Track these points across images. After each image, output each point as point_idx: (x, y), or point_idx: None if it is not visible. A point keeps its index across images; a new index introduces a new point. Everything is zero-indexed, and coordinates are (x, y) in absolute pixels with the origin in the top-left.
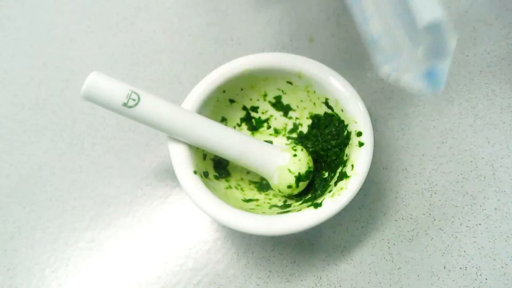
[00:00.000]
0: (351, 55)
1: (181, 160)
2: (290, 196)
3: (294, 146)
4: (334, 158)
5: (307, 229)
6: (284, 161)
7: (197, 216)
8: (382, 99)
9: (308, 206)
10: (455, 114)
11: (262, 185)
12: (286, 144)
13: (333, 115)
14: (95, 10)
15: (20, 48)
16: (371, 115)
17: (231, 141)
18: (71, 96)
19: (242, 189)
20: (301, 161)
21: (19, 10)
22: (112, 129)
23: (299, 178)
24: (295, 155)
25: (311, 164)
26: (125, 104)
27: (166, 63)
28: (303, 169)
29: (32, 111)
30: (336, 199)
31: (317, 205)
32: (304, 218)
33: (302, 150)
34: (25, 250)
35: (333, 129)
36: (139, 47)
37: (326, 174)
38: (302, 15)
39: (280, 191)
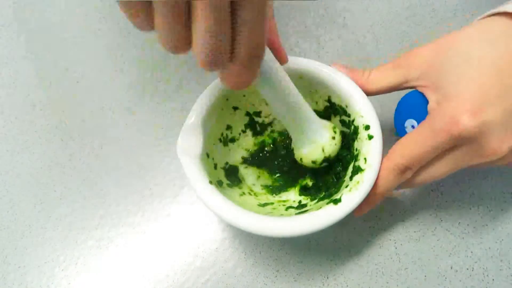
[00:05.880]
0: (357, 56)
1: (196, 172)
2: (305, 194)
3: (335, 127)
4: (345, 154)
5: (331, 225)
6: (322, 139)
7: (205, 215)
8: (388, 100)
9: (327, 203)
10: None
11: (274, 188)
12: (330, 123)
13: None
14: (105, 13)
15: (32, 49)
16: (377, 116)
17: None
18: (81, 97)
19: (255, 195)
20: (336, 145)
21: (31, 12)
22: (121, 129)
23: (326, 160)
24: (333, 138)
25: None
26: None
27: (174, 66)
28: (334, 153)
29: (42, 112)
30: (354, 193)
31: (336, 201)
32: (326, 215)
33: (340, 134)
34: (35, 248)
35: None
36: (149, 50)
37: (338, 169)
38: (308, 18)
39: (300, 160)
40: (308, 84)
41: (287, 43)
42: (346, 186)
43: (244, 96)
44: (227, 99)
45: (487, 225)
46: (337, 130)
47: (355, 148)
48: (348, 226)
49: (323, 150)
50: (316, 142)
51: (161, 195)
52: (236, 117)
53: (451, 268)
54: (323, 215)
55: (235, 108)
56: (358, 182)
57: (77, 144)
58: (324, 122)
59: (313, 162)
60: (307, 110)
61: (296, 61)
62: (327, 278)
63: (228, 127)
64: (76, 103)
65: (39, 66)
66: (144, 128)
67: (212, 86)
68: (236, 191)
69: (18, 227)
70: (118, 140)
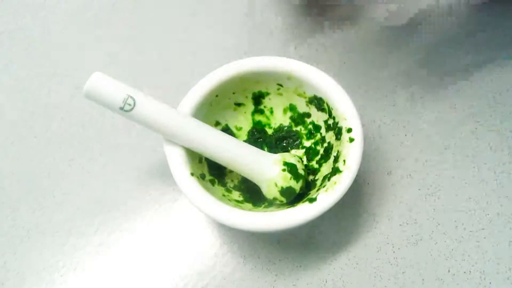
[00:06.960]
0: (356, 63)
1: (178, 162)
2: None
3: (285, 160)
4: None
5: (304, 223)
6: (273, 173)
7: (204, 220)
8: (386, 106)
9: (303, 202)
10: (458, 120)
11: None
12: (281, 155)
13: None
14: (105, 20)
15: (32, 56)
16: (374, 122)
17: (224, 145)
18: (80, 103)
19: (241, 191)
20: (288, 178)
21: (31, 20)
22: (121, 135)
23: (284, 192)
24: (284, 170)
25: (302, 180)
26: (121, 108)
27: (174, 71)
28: (290, 184)
29: (42, 118)
30: (330, 193)
31: (312, 200)
32: (300, 212)
33: (293, 164)
34: (34, 254)
35: None
36: (149, 56)
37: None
38: (307, 25)
39: (272, 199)
40: (297, 85)
41: (285, 49)
42: (324, 186)
43: (234, 93)
44: (216, 96)
45: (483, 229)
46: (293, 159)
47: (336, 150)
48: (346, 231)
49: (276, 185)
50: (268, 180)
51: (160, 200)
52: (224, 114)
53: (449, 271)
54: (298, 213)
55: (224, 105)
56: (335, 183)
57: (77, 150)
58: (274, 156)
59: (275, 199)
60: (254, 150)
61: (285, 62)
62: (326, 282)
63: (217, 123)
64: (76, 109)
65: (38, 73)
66: (143, 133)
67: (202, 82)
68: (219, 186)
69: (17, 232)
70: (117, 146)
